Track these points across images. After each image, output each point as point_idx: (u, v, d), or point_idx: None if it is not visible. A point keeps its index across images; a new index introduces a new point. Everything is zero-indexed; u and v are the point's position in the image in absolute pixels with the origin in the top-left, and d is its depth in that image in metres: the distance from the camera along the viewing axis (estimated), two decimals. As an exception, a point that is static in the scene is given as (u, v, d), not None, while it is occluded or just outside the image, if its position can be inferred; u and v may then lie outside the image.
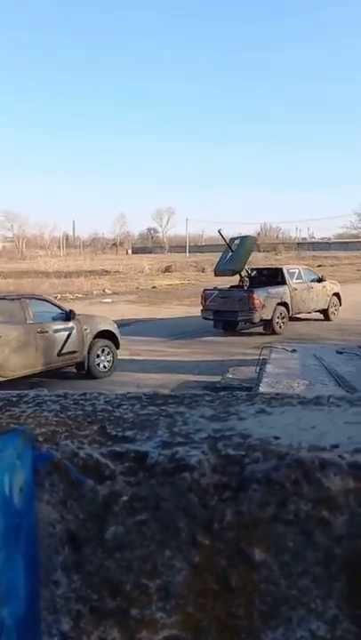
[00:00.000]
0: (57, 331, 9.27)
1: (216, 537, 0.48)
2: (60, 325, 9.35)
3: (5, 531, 0.40)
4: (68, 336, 9.43)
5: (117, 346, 10.31)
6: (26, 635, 0.44)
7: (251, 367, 8.35)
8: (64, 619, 0.49)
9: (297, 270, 15.83)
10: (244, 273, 15.07)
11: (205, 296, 14.84)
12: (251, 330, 14.31)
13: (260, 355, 8.06)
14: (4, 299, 9.09)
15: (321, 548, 0.47)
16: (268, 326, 14.00)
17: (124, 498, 0.49)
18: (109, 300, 23.88)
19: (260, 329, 14.09)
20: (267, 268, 17.05)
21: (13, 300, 9.09)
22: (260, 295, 13.81)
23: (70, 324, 9.51)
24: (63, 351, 9.36)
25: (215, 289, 15.05)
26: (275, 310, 14.00)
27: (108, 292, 27.39)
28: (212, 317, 14.58)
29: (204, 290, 15.37)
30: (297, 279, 15.28)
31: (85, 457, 0.50)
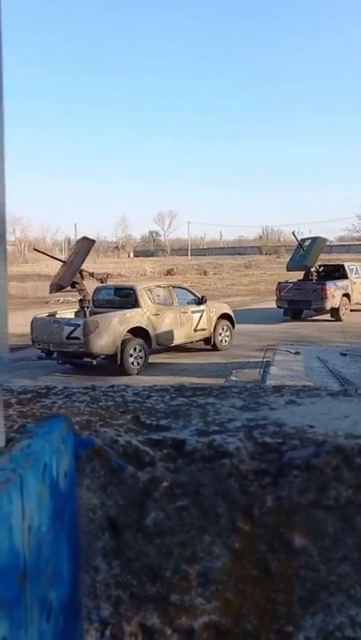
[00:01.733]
0: (194, 312, 11.91)
1: (256, 522, 0.48)
2: (195, 308, 11.99)
3: (53, 514, 0.41)
4: (201, 316, 11.99)
5: (233, 326, 12.87)
6: (69, 620, 0.44)
7: (255, 369, 8.34)
8: (104, 604, 0.49)
9: (355, 266, 18.34)
10: (313, 268, 17.44)
11: (280, 288, 17.39)
12: (252, 332, 14.36)
13: (263, 357, 8.06)
14: (159, 287, 12.01)
15: (361, 534, 0.47)
16: (335, 313, 16.40)
17: (165, 484, 0.49)
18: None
19: (327, 316, 16.41)
20: (330, 265, 19.59)
21: (165, 287, 12.08)
22: (330, 287, 16.41)
23: (202, 307, 12.12)
24: (197, 328, 11.94)
25: (287, 282, 17.61)
26: (341, 300, 16.55)
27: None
28: (286, 306, 16.91)
29: (279, 283, 17.96)
30: (355, 274, 17.83)
31: (125, 444, 0.50)
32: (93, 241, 12.94)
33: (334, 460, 0.48)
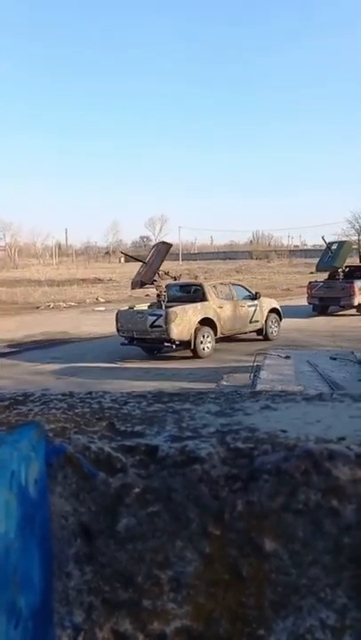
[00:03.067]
0: (250, 306, 13.95)
1: (227, 527, 0.49)
2: (250, 302, 14.05)
3: (22, 521, 0.41)
4: (255, 310, 14.04)
5: (281, 318, 14.93)
6: (40, 626, 0.45)
7: (245, 374, 8.36)
8: (76, 611, 0.50)
9: None
10: (340, 269, 20.08)
11: (311, 287, 20.01)
12: (249, 336, 14.51)
13: (254, 361, 8.08)
14: (222, 284, 14.44)
15: (330, 538, 0.48)
16: (360, 309, 18.51)
17: (136, 490, 0.49)
18: (102, 309, 23.86)
19: (355, 311, 18.43)
20: (354, 265, 21.87)
21: (226, 284, 14.54)
22: (358, 285, 18.78)
23: (256, 301, 14.17)
24: (252, 320, 13.98)
25: (317, 281, 20.36)
26: None
27: (102, 300, 27.37)
28: (317, 302, 19.46)
29: (310, 282, 20.74)
30: None
31: (97, 450, 0.51)
32: (170, 244, 15.32)
33: (303, 465, 0.48)
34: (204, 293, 13.21)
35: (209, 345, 12.61)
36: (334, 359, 7.89)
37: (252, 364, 8.09)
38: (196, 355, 12.22)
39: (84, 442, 0.51)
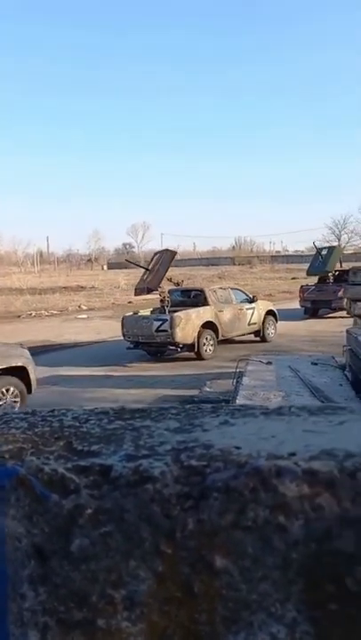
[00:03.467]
0: (248, 309, 14.70)
1: (179, 545, 0.50)
2: (248, 305, 14.78)
3: (-30, 546, 0.42)
4: (253, 312, 14.78)
5: (277, 320, 15.73)
6: (-7, 649, 0.45)
7: (228, 380, 8.39)
8: (31, 632, 0.50)
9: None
10: (330, 273, 20.98)
11: (303, 290, 21.09)
12: (244, 339, 14.80)
13: (236, 367, 8.11)
14: (221, 288, 15.10)
15: (279, 553, 0.49)
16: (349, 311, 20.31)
17: (89, 510, 0.50)
18: (85, 316, 23.76)
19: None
20: (342, 270, 22.07)
21: (225, 289, 15.16)
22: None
23: (253, 304, 14.91)
24: (250, 322, 14.74)
25: (309, 285, 21.22)
26: None
27: (84, 307, 27.25)
28: (309, 305, 20.38)
29: (302, 286, 21.61)
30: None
31: (50, 472, 0.51)
32: (175, 252, 16.24)
33: (252, 482, 0.50)
34: (205, 298, 13.99)
35: (211, 347, 13.40)
36: (315, 364, 7.96)
37: (234, 370, 8.12)
38: (199, 357, 12.98)
39: (38, 463, 0.52)
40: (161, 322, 12.77)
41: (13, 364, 7.99)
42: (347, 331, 8.15)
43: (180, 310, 13.20)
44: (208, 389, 8.97)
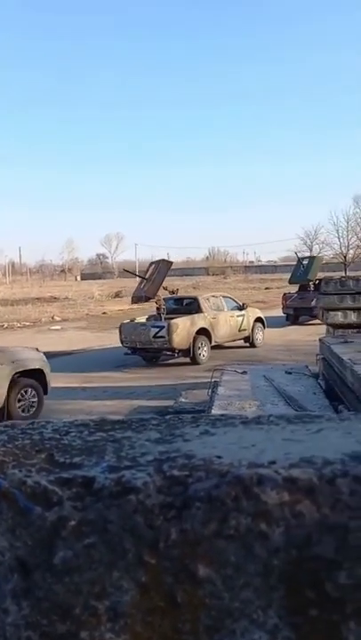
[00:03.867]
0: (238, 316, 15.43)
1: (162, 556, 0.50)
2: (238, 313, 15.53)
3: None
4: (243, 319, 15.52)
5: (265, 327, 16.58)
6: (-25, 665, 0.45)
7: (203, 390, 8.40)
8: (14, 647, 0.50)
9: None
10: (311, 282, 21.78)
11: (286, 298, 21.87)
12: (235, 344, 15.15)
13: (211, 377, 8.13)
14: (213, 296, 15.83)
15: (260, 560, 0.50)
16: None
17: (72, 522, 0.50)
18: (58, 327, 23.54)
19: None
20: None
21: (217, 297, 15.89)
22: None
23: (243, 312, 15.66)
24: (241, 328, 15.45)
25: (291, 293, 22.01)
26: None
27: (57, 318, 27.00)
28: (291, 312, 21.17)
29: (285, 294, 22.42)
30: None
31: (33, 484, 0.51)
32: (171, 262, 16.79)
33: (234, 491, 0.50)
34: (198, 306, 14.71)
35: (205, 352, 14.09)
36: (290, 373, 8.03)
37: (210, 380, 8.14)
38: (194, 361, 13.52)
39: (21, 476, 0.52)
40: (158, 328, 13.34)
41: (32, 367, 8.51)
42: (320, 340, 8.26)
43: (176, 317, 13.77)
44: (183, 400, 8.96)
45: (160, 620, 0.50)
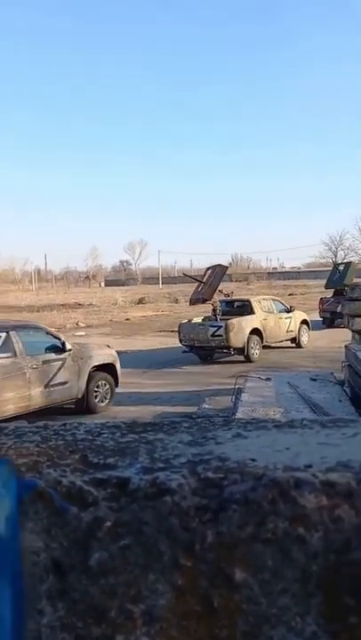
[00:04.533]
0: (286, 318, 16.50)
1: (198, 558, 0.49)
2: (286, 315, 16.63)
3: (-8, 559, 0.41)
4: (290, 321, 16.51)
5: (309, 329, 17.72)
6: (12, 665, 0.45)
7: (227, 397, 8.36)
8: (49, 648, 0.49)
9: None
10: (347, 287, 23.49)
11: (323, 302, 23.13)
12: (229, 359, 14.87)
13: (235, 384, 8.09)
14: (264, 299, 16.93)
15: (298, 566, 0.49)
16: None
17: (108, 523, 0.50)
18: (83, 333, 23.71)
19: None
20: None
21: (267, 300, 16.90)
22: None
23: (291, 314, 16.69)
24: (288, 330, 16.58)
25: (328, 298, 23.16)
26: None
27: (82, 324, 27.22)
28: (328, 316, 21.93)
29: (321, 299, 23.80)
30: None
31: (68, 484, 0.51)
32: (226, 267, 18.62)
33: (271, 494, 0.50)
34: (251, 307, 15.74)
35: (257, 351, 15.06)
36: (315, 380, 7.94)
37: (233, 387, 8.10)
38: (248, 359, 14.48)
39: (56, 476, 0.52)
40: (216, 328, 14.42)
41: (106, 362, 9.67)
42: (345, 346, 8.15)
43: (231, 318, 14.79)
44: (207, 406, 8.92)
45: (196, 624, 0.49)
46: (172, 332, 18.38)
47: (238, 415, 6.04)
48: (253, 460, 0.57)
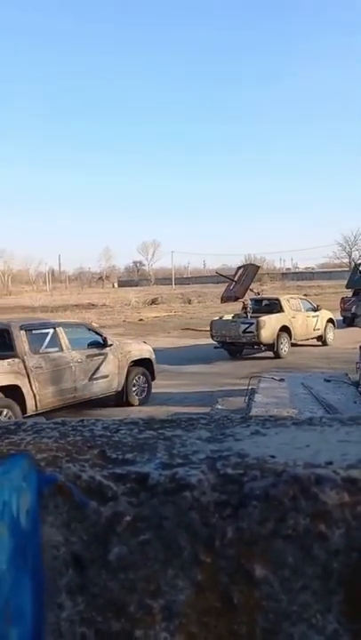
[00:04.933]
0: (313, 316, 17.07)
1: (218, 554, 0.49)
2: (313, 313, 17.16)
3: (14, 552, 0.41)
4: (317, 320, 17.14)
5: (335, 327, 18.61)
6: (32, 658, 0.45)
7: (240, 397, 8.33)
8: (69, 642, 0.49)
9: None
10: None
11: (345, 302, 23.33)
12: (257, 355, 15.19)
13: (248, 385, 8.07)
14: (292, 298, 17.65)
15: (319, 563, 0.49)
16: None
17: (127, 518, 0.50)
18: (96, 334, 23.75)
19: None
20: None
21: (295, 299, 17.67)
22: None
23: (318, 313, 17.37)
24: (315, 328, 17.15)
25: (349, 297, 23.09)
26: None
27: (95, 325, 27.34)
28: (349, 315, 21.49)
29: (342, 298, 24.11)
30: None
31: (88, 479, 0.51)
32: (258, 266, 19.27)
33: (291, 490, 0.49)
34: (280, 306, 16.27)
35: (286, 348, 15.57)
36: (328, 381, 7.89)
37: (246, 388, 8.07)
38: (277, 355, 15.05)
39: (75, 470, 0.52)
40: (248, 325, 15.10)
41: (144, 357, 10.29)
42: (360, 347, 8.09)
43: (261, 316, 15.40)
44: (220, 407, 8.91)
45: (215, 620, 0.49)
46: (187, 330, 18.71)
47: (252, 416, 6.01)
48: (273, 456, 0.56)
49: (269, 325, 15.18)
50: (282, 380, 8.11)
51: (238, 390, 9.09)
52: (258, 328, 14.99)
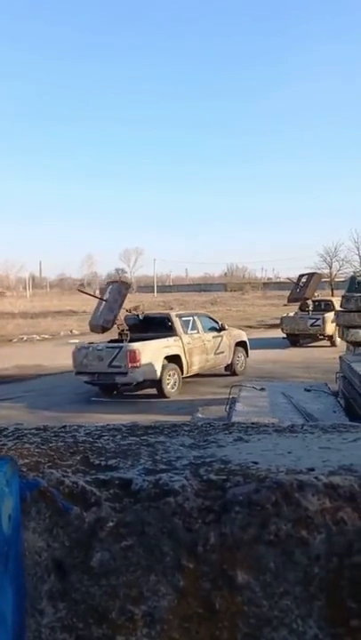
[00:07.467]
0: (316, 319, 19.44)
1: (200, 560, 0.49)
2: (326, 315, 18.94)
3: (-5, 557, 0.41)
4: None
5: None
6: (12, 666, 0.44)
7: (220, 406, 8.31)
8: (49, 650, 0.49)
9: None
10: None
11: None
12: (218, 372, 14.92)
13: (229, 394, 8.06)
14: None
15: (301, 568, 0.49)
16: None
17: (110, 524, 0.50)
18: (77, 341, 23.64)
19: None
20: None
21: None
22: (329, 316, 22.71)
23: (327, 314, 18.84)
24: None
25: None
26: None
27: (76, 332, 27.12)
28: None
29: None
30: None
31: (71, 484, 0.51)
32: (322, 275, 22.48)
33: (274, 496, 0.50)
34: (333, 306, 17.74)
35: (338, 339, 17.12)
36: (309, 391, 7.92)
37: (227, 397, 8.07)
38: (333, 344, 17.28)
39: (58, 476, 0.52)
40: (315, 319, 18.54)
41: (242, 339, 13.74)
42: (340, 357, 8.16)
43: (323, 313, 18.59)
44: (200, 415, 8.88)
45: (197, 626, 0.49)
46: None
47: (232, 424, 6.01)
48: (256, 462, 0.57)
49: (331, 320, 16.83)
50: (263, 389, 8.12)
51: (219, 399, 9.08)
52: (324, 322, 18.18)
